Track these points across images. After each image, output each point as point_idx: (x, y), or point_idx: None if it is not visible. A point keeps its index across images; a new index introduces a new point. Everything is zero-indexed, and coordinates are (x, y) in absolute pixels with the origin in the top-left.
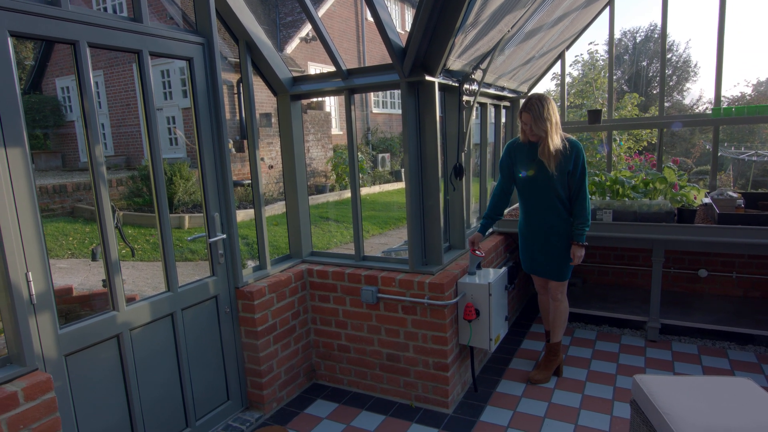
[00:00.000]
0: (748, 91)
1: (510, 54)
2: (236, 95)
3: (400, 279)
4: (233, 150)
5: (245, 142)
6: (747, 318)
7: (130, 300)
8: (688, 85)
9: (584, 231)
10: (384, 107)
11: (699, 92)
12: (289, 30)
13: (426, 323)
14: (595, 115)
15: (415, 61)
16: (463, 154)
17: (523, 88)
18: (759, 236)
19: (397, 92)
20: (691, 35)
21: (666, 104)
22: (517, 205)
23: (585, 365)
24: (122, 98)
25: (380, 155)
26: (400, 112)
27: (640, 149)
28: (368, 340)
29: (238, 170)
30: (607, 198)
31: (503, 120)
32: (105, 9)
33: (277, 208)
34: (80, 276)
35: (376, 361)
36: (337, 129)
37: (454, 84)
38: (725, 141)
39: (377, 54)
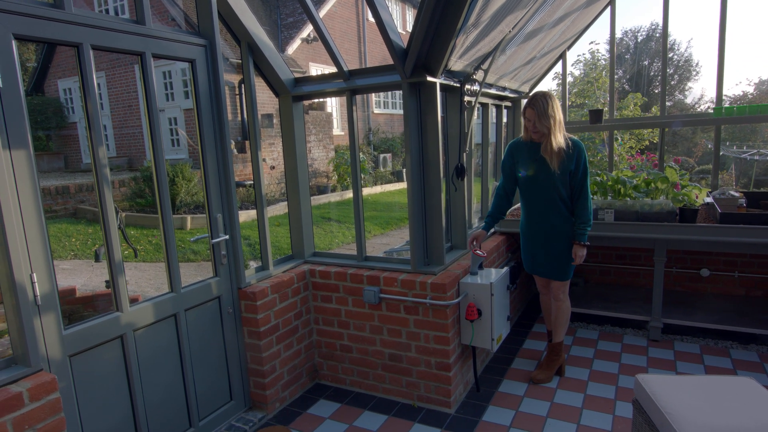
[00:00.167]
0: (750, 89)
1: (511, 54)
2: (238, 96)
3: (402, 279)
4: (235, 151)
5: (247, 143)
6: (749, 317)
7: (134, 301)
8: (689, 84)
9: (586, 231)
10: (385, 107)
11: (701, 91)
12: (290, 31)
13: (428, 323)
14: (596, 114)
15: (416, 62)
16: (464, 154)
17: (525, 88)
18: (761, 235)
19: (398, 92)
20: (692, 34)
21: (668, 103)
22: (518, 205)
23: (587, 365)
24: (124, 99)
25: (382, 155)
26: (401, 112)
27: (641, 148)
28: (370, 340)
29: (240, 171)
30: (609, 198)
31: (504, 120)
32: (107, 11)
33: (279, 209)
34: (83, 277)
35: (379, 361)
36: (338, 129)
37: (455, 84)
38: (727, 140)
39: (378, 54)
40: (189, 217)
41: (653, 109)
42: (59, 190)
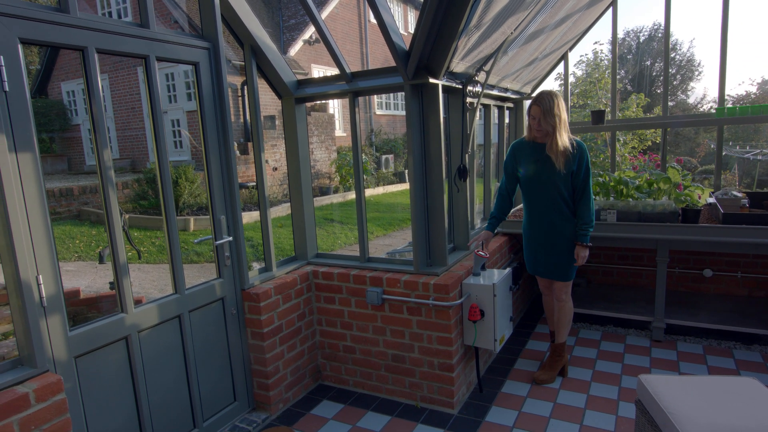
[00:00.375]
0: (753, 89)
1: (513, 55)
2: (240, 98)
3: (404, 280)
4: (237, 152)
5: (249, 144)
6: (752, 317)
7: (137, 302)
8: (692, 84)
9: (588, 231)
10: (387, 108)
11: (703, 91)
12: (292, 33)
13: (431, 324)
14: (598, 115)
15: (418, 63)
16: (467, 155)
17: (527, 89)
18: (764, 236)
19: (400, 93)
20: (695, 34)
21: (670, 103)
22: (521, 206)
23: (590, 365)
24: (127, 101)
25: (384, 156)
26: (403, 113)
27: (644, 149)
28: (373, 341)
29: (243, 172)
30: (611, 198)
31: (507, 121)
32: (110, 14)
33: (281, 210)
34: (87, 278)
35: (382, 361)
36: (340, 131)
37: (457, 86)
38: (730, 140)
39: (380, 56)
40: (192, 219)
41: (655, 109)
42: (63, 192)
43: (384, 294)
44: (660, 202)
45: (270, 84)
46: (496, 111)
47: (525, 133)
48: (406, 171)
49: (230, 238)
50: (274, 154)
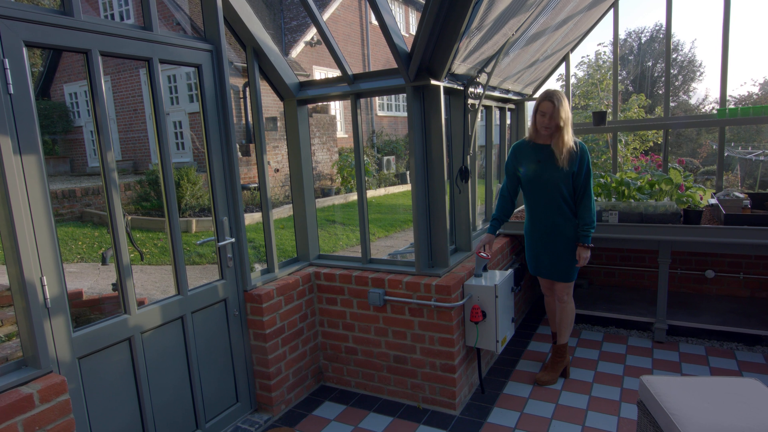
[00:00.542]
0: (755, 90)
1: (514, 57)
2: (242, 99)
3: (406, 281)
4: (239, 154)
5: (251, 146)
6: (755, 318)
7: (140, 303)
8: (693, 84)
9: (590, 232)
10: (389, 110)
11: (705, 92)
12: (294, 34)
13: (433, 325)
14: (600, 116)
15: (420, 65)
16: (468, 156)
17: (528, 91)
18: (766, 237)
19: (402, 95)
20: (696, 34)
21: (672, 104)
22: (522, 207)
23: (592, 366)
24: (129, 103)
25: (385, 158)
26: (405, 114)
27: (646, 150)
28: (375, 342)
29: (244, 174)
30: (613, 199)
31: (508, 122)
32: (112, 16)
33: (283, 212)
34: (90, 280)
35: (384, 363)
36: (342, 132)
37: (459, 87)
38: (732, 141)
39: (381, 57)
40: (194, 220)
41: (657, 110)
42: (65, 194)
43: (386, 295)
44: (662, 203)
45: (272, 86)
46: (497, 112)
47: (526, 134)
48: (408, 172)
49: (233, 240)
50: (276, 156)
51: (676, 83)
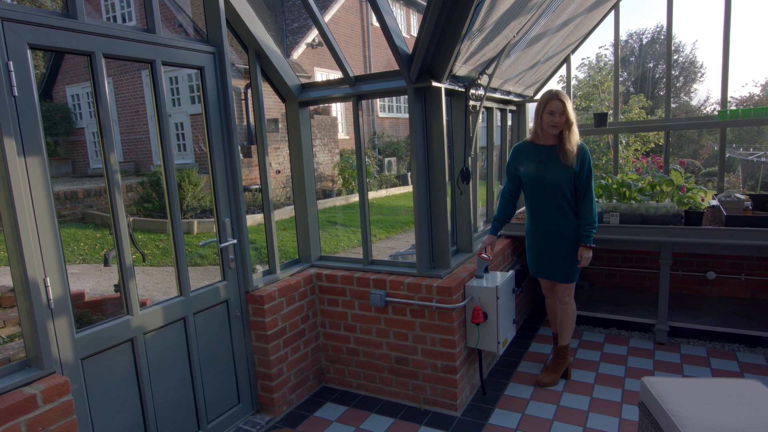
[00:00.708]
0: (757, 91)
1: (516, 59)
2: (243, 101)
3: (408, 283)
4: (241, 155)
5: (252, 147)
6: (756, 320)
7: (142, 305)
8: (695, 85)
9: (591, 233)
10: (390, 111)
11: (706, 93)
12: (295, 36)
13: (434, 326)
14: (601, 118)
15: (421, 67)
16: (469, 158)
17: (529, 92)
18: (767, 238)
19: (403, 96)
20: (697, 36)
21: (673, 105)
22: (524, 208)
23: (593, 368)
24: (131, 105)
25: (387, 159)
26: (406, 115)
27: (647, 151)
28: (377, 344)
29: (246, 175)
30: (614, 201)
31: (509, 123)
32: (114, 18)
33: (285, 213)
34: (92, 281)
35: (385, 364)
36: (343, 133)
37: (460, 89)
38: (733, 142)
39: (383, 59)
40: (195, 222)
41: (658, 111)
42: (68, 195)
43: (387, 296)
44: (663, 205)
45: (274, 87)
46: (498, 114)
47: (528, 135)
48: (409, 174)
49: (234, 241)
50: (277, 157)
51: (678, 84)
